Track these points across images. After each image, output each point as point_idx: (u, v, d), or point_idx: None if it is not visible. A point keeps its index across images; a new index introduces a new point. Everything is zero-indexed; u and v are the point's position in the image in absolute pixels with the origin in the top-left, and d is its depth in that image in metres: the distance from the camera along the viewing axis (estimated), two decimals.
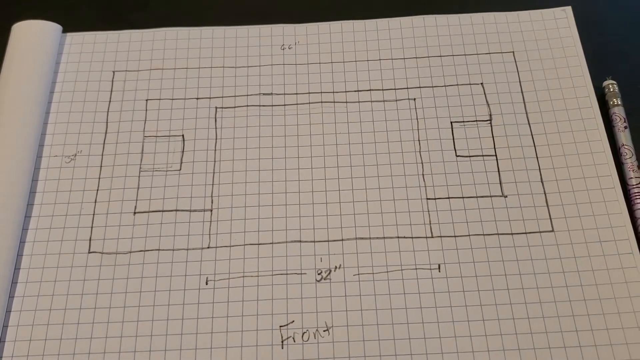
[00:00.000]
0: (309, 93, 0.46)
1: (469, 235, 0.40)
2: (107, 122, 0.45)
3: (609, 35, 0.48)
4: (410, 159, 0.43)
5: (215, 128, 0.44)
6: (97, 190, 0.42)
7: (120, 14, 0.51)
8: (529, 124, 0.44)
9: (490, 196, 0.41)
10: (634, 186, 0.41)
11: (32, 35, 0.46)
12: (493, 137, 0.43)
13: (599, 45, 0.48)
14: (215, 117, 0.45)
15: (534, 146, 0.43)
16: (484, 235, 0.40)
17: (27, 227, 0.41)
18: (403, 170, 0.42)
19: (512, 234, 0.40)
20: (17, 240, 0.40)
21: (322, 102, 0.45)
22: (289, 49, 0.48)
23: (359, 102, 0.45)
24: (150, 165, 0.43)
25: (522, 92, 0.45)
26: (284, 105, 0.45)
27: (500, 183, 0.42)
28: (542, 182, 0.42)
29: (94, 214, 0.41)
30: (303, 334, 0.37)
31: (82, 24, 0.49)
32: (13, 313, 0.38)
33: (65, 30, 0.48)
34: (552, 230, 0.40)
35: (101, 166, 0.43)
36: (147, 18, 0.50)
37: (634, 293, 0.38)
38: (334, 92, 0.46)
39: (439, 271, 0.39)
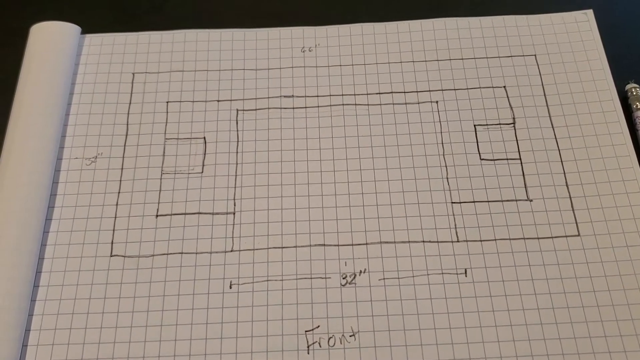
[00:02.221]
0: (330, 95, 0.46)
1: (495, 239, 0.40)
2: (127, 124, 0.44)
3: (631, 38, 0.48)
4: (433, 162, 0.43)
5: (237, 130, 0.44)
6: (119, 192, 0.42)
7: (136, 16, 0.50)
8: (552, 127, 0.44)
9: (516, 200, 0.41)
10: None
11: (51, 36, 0.46)
12: (517, 140, 0.43)
13: (621, 48, 0.47)
14: (237, 120, 0.44)
15: (558, 150, 0.43)
16: (510, 239, 0.40)
17: (48, 230, 0.40)
18: (427, 174, 0.42)
19: (538, 238, 0.40)
20: (39, 243, 0.39)
21: (343, 104, 0.45)
22: (309, 51, 0.48)
23: (380, 104, 0.45)
24: (172, 167, 0.43)
25: (545, 95, 0.45)
26: (305, 107, 0.45)
27: (525, 187, 0.41)
28: (567, 185, 0.41)
29: (115, 217, 0.41)
30: (329, 339, 0.37)
31: (98, 26, 0.49)
32: (35, 317, 0.38)
33: (82, 33, 0.48)
34: (579, 235, 0.40)
35: (122, 168, 0.43)
36: (163, 21, 0.49)
37: None
38: (355, 95, 0.45)
39: (466, 276, 0.39)
